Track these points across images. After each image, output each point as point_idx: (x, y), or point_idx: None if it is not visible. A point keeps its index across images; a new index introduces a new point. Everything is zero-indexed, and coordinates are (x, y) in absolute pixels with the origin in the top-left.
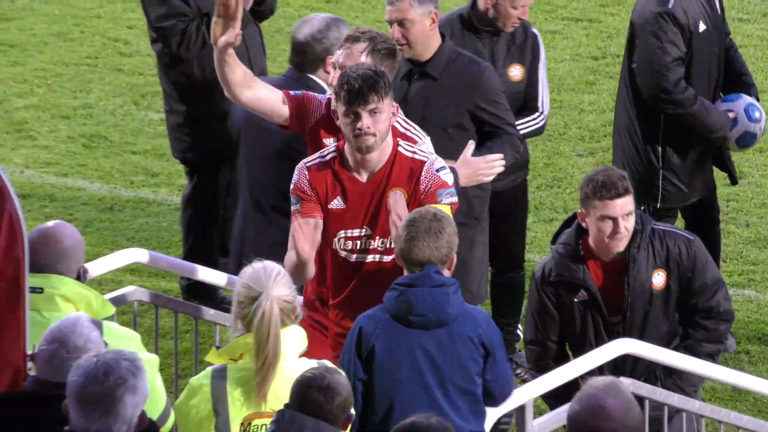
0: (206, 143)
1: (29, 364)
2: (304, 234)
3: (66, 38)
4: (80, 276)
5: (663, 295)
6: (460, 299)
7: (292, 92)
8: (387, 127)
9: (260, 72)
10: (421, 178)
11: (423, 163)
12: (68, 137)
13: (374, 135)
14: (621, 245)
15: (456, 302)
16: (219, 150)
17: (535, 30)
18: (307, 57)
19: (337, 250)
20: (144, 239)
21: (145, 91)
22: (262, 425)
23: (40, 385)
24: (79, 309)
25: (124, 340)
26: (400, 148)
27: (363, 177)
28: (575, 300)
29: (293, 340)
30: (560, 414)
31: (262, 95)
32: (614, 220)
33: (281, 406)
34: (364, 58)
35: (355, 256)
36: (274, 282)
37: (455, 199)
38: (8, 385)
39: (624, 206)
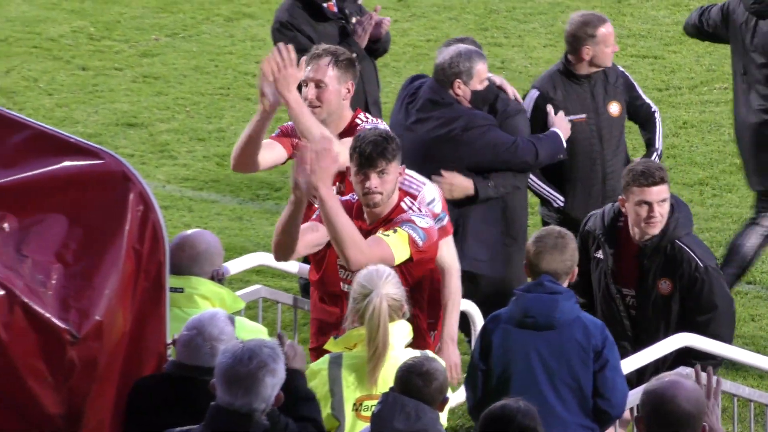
0: None
1: (169, 351)
2: (308, 225)
3: (202, 71)
4: (215, 277)
5: (667, 299)
6: (571, 307)
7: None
8: (393, 186)
9: (374, 102)
10: (396, 219)
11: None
12: (204, 156)
13: (381, 194)
14: (656, 229)
15: (566, 309)
16: None
17: (620, 68)
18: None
19: (340, 281)
20: (268, 245)
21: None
22: (371, 406)
23: (177, 367)
24: (214, 305)
25: (253, 332)
26: (402, 204)
27: (367, 222)
28: (594, 255)
29: (400, 332)
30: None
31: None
32: (650, 205)
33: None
34: (330, 71)
35: (347, 285)
36: (384, 282)
37: (415, 234)
38: (153, 370)
39: (660, 193)
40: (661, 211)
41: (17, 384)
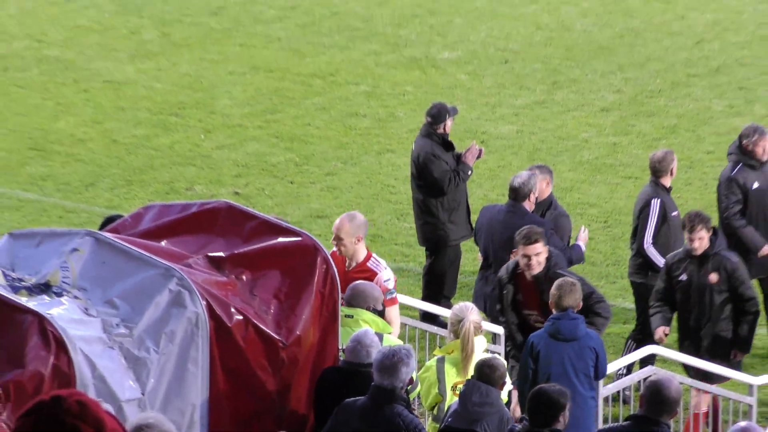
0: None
1: (340, 354)
2: None
3: None
4: (371, 309)
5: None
6: (584, 327)
7: None
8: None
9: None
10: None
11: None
12: None
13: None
14: (534, 271)
15: (582, 328)
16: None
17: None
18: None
19: None
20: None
21: None
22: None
23: (346, 364)
24: (371, 327)
25: (394, 343)
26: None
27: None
28: (503, 293)
29: (480, 344)
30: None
31: None
32: (528, 257)
33: None
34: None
35: None
36: (470, 312)
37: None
38: (331, 364)
39: (535, 249)
40: (538, 260)
41: (251, 373)
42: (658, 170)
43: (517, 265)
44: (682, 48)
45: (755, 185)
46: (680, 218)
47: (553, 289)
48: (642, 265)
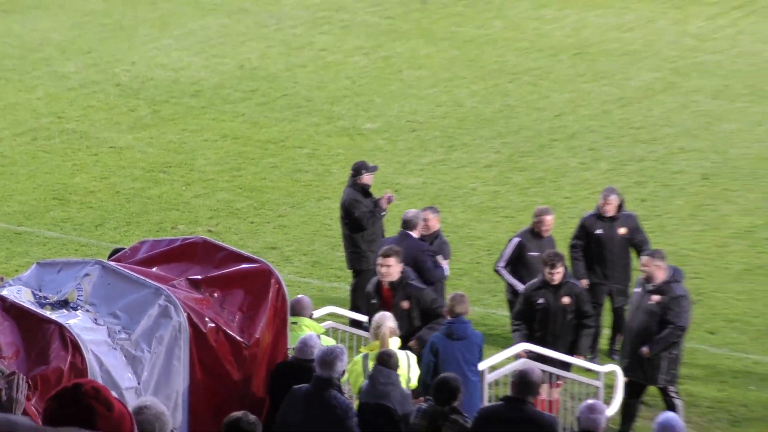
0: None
1: (289, 352)
2: None
3: None
4: (310, 317)
5: (409, 312)
6: (472, 328)
7: None
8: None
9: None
10: None
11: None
12: None
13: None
14: (388, 279)
15: (470, 329)
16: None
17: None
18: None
19: None
20: (338, 302)
21: None
22: None
23: (295, 359)
24: (312, 331)
25: (329, 342)
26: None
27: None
28: (372, 302)
29: (394, 343)
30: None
31: None
32: (381, 266)
33: None
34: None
35: None
36: (386, 319)
37: None
38: (283, 360)
39: (387, 261)
40: (388, 270)
41: (221, 367)
42: (533, 221)
43: (379, 280)
44: (546, 119)
45: (597, 231)
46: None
47: (449, 300)
48: (509, 285)
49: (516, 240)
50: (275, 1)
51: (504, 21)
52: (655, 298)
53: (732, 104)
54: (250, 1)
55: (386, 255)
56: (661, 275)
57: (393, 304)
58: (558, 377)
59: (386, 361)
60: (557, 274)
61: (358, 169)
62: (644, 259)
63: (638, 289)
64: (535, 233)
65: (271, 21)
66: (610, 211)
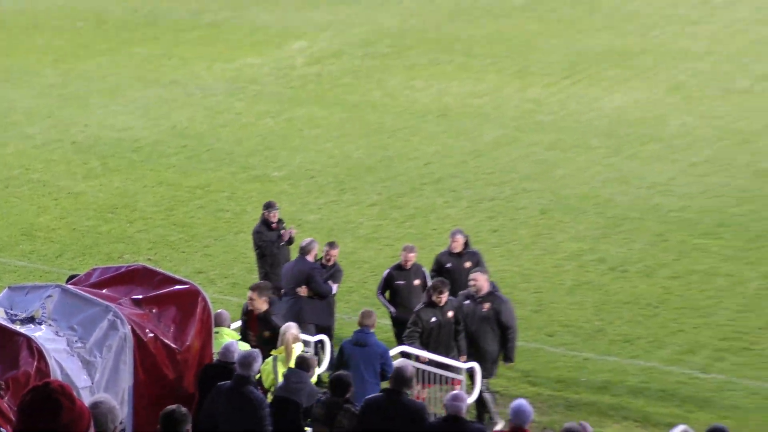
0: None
1: (215, 356)
2: None
3: None
4: (229, 327)
5: (270, 340)
6: (374, 338)
7: None
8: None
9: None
10: None
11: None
12: None
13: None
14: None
15: (373, 339)
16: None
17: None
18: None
19: None
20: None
21: None
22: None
23: (219, 362)
24: (231, 338)
25: (245, 347)
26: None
27: None
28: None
29: (297, 348)
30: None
31: None
32: (251, 299)
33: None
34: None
35: None
36: (291, 327)
37: None
38: (209, 362)
39: (253, 294)
40: (254, 304)
41: (158, 369)
42: (400, 257)
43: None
44: (417, 167)
45: (448, 265)
46: (406, 284)
47: (359, 315)
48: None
49: (386, 272)
50: (200, 75)
51: (382, 90)
52: (486, 305)
53: (563, 154)
54: (180, 75)
55: (251, 289)
56: (486, 287)
57: (257, 333)
58: (430, 378)
59: (300, 364)
60: (444, 297)
61: (266, 206)
62: (475, 274)
63: (467, 302)
64: (400, 266)
65: (197, 91)
66: (458, 248)
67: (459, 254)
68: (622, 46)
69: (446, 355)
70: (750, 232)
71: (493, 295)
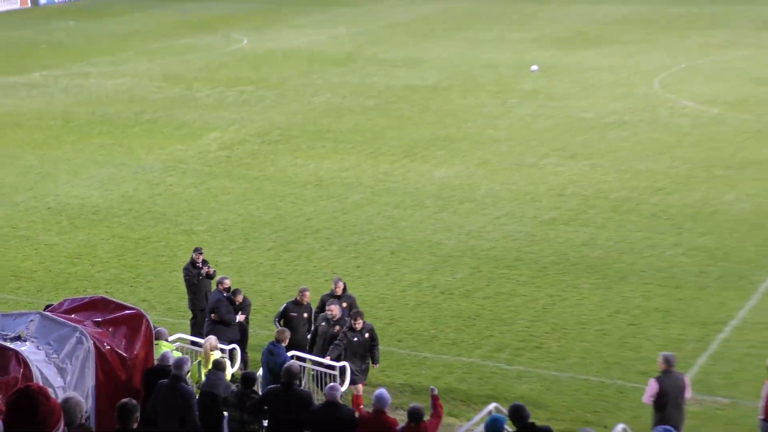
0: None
1: (155, 362)
2: None
3: None
4: (167, 340)
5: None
6: (284, 351)
7: None
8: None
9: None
10: None
11: None
12: None
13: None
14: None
15: (281, 351)
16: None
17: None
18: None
19: None
20: (185, 330)
21: None
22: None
23: (159, 366)
24: (167, 348)
25: (178, 354)
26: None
27: None
28: None
29: (216, 354)
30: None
31: None
32: None
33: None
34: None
35: None
36: (210, 339)
37: None
38: (151, 366)
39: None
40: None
41: (114, 373)
42: (298, 293)
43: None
44: (301, 223)
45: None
46: (297, 316)
47: (276, 332)
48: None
49: (283, 306)
50: (142, 158)
51: (275, 167)
52: (338, 327)
53: (405, 211)
54: (127, 158)
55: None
56: (339, 313)
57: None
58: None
59: (217, 366)
60: (360, 322)
61: (195, 251)
62: (332, 307)
63: (323, 323)
64: (297, 302)
65: (140, 170)
66: (339, 291)
67: (339, 296)
68: (445, 134)
69: (362, 363)
70: (538, 264)
71: (343, 319)
